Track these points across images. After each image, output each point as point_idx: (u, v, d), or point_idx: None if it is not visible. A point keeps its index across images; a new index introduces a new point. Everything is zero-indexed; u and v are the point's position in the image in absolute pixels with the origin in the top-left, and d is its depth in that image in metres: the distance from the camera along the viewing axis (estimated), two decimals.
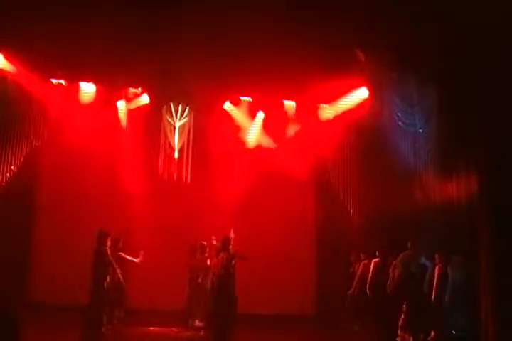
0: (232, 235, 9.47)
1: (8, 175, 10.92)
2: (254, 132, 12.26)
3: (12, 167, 10.78)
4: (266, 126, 12.20)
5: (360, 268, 10.81)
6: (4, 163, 10.88)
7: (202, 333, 9.70)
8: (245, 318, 9.26)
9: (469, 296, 9.87)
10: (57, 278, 11.13)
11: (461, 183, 10.55)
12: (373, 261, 10.34)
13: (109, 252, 9.10)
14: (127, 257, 9.81)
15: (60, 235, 11.45)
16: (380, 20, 9.83)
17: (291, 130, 12.03)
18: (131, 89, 11.60)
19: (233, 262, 9.03)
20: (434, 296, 10.09)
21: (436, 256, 10.21)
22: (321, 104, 11.94)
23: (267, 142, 12.16)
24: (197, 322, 10.07)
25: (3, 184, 10.92)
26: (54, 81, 11.28)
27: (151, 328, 10.15)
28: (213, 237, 10.10)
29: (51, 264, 11.20)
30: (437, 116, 10.47)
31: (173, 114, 11.93)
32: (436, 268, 10.17)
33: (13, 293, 9.95)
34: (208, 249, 10.10)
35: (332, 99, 11.72)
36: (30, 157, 11.29)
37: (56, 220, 11.70)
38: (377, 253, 10.34)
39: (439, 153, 10.57)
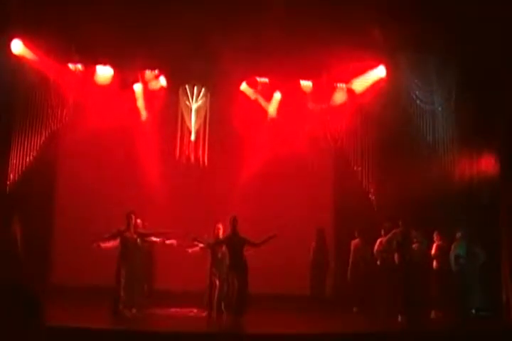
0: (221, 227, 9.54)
1: (28, 159, 11.08)
2: (271, 112, 12.21)
3: None
4: (283, 107, 12.13)
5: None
6: (24, 147, 11.03)
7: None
8: (259, 298, 9.33)
9: (484, 275, 9.85)
10: (79, 260, 11.27)
11: (482, 162, 10.45)
12: (379, 239, 10.38)
13: (133, 235, 9.20)
14: (154, 239, 9.87)
15: (80, 217, 11.55)
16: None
17: (309, 110, 11.92)
18: (148, 71, 11.59)
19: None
20: (434, 275, 10.11)
21: (435, 234, 10.18)
22: (339, 84, 11.82)
23: (284, 122, 12.08)
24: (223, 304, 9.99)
25: (24, 169, 11.08)
26: (71, 66, 11.32)
27: (172, 309, 10.25)
28: (220, 225, 9.86)
29: (73, 246, 11.32)
30: (457, 94, 10.33)
31: (189, 96, 11.91)
32: (434, 246, 10.16)
33: (35, 274, 10.12)
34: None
35: (350, 78, 11.59)
36: (50, 141, 11.39)
37: (76, 202, 11.79)
38: (382, 233, 10.36)
39: (459, 131, 10.45)
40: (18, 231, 10.46)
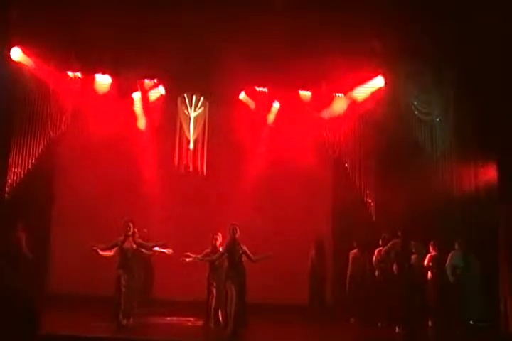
0: (219, 237, 9.54)
1: (27, 167, 11.08)
2: (270, 122, 12.24)
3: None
4: (281, 116, 12.15)
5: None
6: (23, 154, 11.03)
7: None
8: (257, 308, 9.31)
9: (482, 285, 9.83)
10: (77, 268, 11.25)
11: (480, 172, 10.46)
12: (377, 249, 10.38)
13: (132, 244, 9.14)
14: (156, 249, 9.85)
15: (78, 225, 11.55)
16: (397, 10, 9.75)
17: (307, 120, 11.93)
18: (146, 80, 11.61)
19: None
20: (428, 286, 10.09)
21: (431, 244, 10.16)
22: (337, 94, 11.84)
23: (283, 132, 12.09)
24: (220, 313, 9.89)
25: (23, 176, 11.07)
26: (70, 74, 11.34)
27: (168, 318, 10.21)
28: (219, 235, 9.73)
29: (70, 254, 11.29)
30: (455, 104, 10.36)
31: (188, 105, 11.93)
32: (427, 257, 10.14)
33: (33, 282, 10.10)
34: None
35: (348, 88, 11.62)
36: (49, 148, 11.39)
37: (74, 210, 11.82)
38: (380, 243, 10.38)
39: (458, 141, 10.47)
40: (22, 239, 10.47)
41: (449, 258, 10.13)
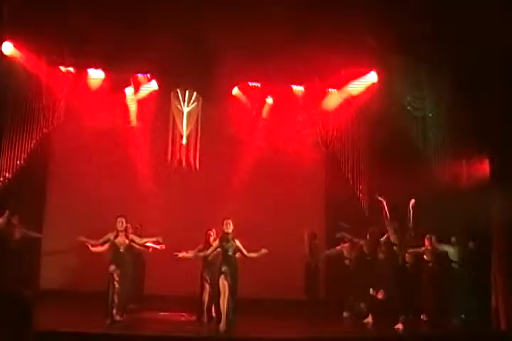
0: (213, 233, 9.55)
1: (19, 162, 11.01)
2: (263, 117, 12.22)
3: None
4: (274, 112, 12.14)
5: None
6: (15, 149, 10.96)
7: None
8: (252, 303, 9.33)
9: (476, 281, 9.90)
10: (69, 265, 11.25)
11: (473, 168, 10.51)
12: (362, 242, 10.51)
13: (124, 239, 9.13)
14: (148, 244, 9.86)
15: (71, 221, 11.52)
16: (390, 5, 9.76)
17: (301, 115, 11.94)
18: (139, 75, 11.56)
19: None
20: (422, 279, 10.16)
21: (427, 237, 10.22)
22: (330, 89, 11.84)
23: (276, 127, 12.08)
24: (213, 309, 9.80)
25: (15, 171, 11.01)
26: (63, 68, 11.27)
27: (161, 314, 10.22)
28: (213, 230, 9.81)
29: (63, 251, 11.28)
30: (447, 100, 10.38)
31: (181, 100, 11.90)
32: (422, 250, 10.20)
33: (26, 279, 10.08)
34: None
35: (341, 83, 11.62)
36: (41, 144, 11.32)
37: (67, 206, 11.81)
38: (367, 236, 10.44)
39: (450, 137, 10.50)
40: (16, 234, 10.46)
41: (447, 253, 10.20)
